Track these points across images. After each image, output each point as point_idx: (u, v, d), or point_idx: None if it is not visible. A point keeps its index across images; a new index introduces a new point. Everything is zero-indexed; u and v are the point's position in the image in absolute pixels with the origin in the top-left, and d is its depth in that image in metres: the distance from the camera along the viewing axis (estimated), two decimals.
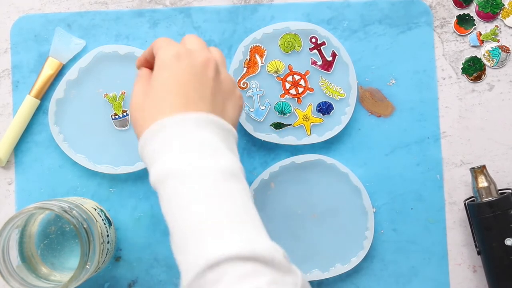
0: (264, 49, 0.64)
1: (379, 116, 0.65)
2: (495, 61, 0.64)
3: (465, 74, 0.64)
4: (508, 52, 0.64)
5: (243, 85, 0.64)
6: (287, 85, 0.64)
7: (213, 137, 0.46)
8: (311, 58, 0.64)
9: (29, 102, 0.63)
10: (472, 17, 0.65)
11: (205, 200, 0.43)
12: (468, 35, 0.65)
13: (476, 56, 0.65)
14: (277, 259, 0.41)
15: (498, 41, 0.65)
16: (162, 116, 0.46)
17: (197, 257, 0.40)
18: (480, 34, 0.65)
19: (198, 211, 0.42)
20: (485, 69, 0.65)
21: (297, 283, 0.42)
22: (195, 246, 0.41)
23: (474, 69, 0.65)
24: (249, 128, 0.63)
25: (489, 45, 0.64)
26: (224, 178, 0.44)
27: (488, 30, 0.65)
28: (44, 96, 0.64)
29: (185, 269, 0.41)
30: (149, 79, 0.51)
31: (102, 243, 0.57)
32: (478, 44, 0.65)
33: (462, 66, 0.65)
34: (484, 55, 0.63)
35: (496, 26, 0.65)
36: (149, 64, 0.54)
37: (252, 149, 0.65)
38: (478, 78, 0.65)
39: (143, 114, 0.48)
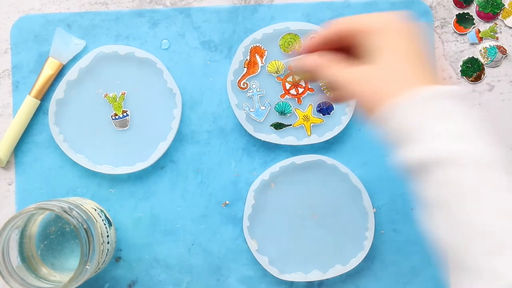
0: (264, 49, 0.64)
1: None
2: (489, 59, 0.64)
3: (465, 76, 0.64)
4: (505, 54, 0.64)
5: (243, 85, 0.64)
6: (287, 85, 0.64)
7: (472, 116, 0.40)
8: None
9: (29, 103, 0.63)
10: (472, 16, 0.65)
11: (491, 195, 0.37)
12: (468, 33, 0.65)
13: (473, 57, 0.65)
14: None
15: (497, 38, 0.65)
16: (416, 85, 0.40)
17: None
18: (479, 31, 0.65)
19: (486, 208, 0.36)
20: (483, 69, 0.65)
21: None
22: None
23: (473, 70, 0.65)
24: (249, 128, 0.63)
25: (488, 43, 0.64)
26: (499, 168, 0.38)
27: (487, 28, 0.65)
28: (44, 96, 0.64)
29: (492, 276, 0.35)
30: (349, 59, 0.45)
31: (102, 244, 0.57)
32: (477, 41, 0.65)
33: (460, 68, 0.65)
34: (480, 51, 0.63)
35: (495, 24, 0.65)
36: (323, 47, 0.47)
37: (252, 149, 0.65)
38: (478, 79, 0.65)
39: (384, 81, 0.41)
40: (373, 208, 0.64)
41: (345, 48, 0.46)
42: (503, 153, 0.39)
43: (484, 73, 0.65)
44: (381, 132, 0.42)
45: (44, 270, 0.57)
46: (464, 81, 0.65)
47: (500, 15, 0.65)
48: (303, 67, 0.47)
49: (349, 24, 0.45)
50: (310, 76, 0.48)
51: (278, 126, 0.64)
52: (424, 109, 0.39)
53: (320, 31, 0.47)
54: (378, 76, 0.42)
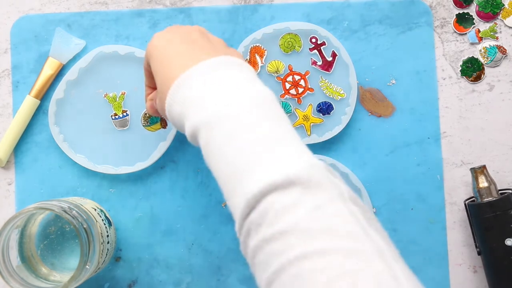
0: (264, 49, 0.64)
1: (379, 116, 0.65)
2: (489, 59, 0.64)
3: (465, 76, 0.64)
4: (505, 54, 0.64)
5: None
6: (287, 85, 0.64)
7: (235, 73, 0.45)
8: (311, 58, 0.64)
9: (29, 102, 0.63)
10: (472, 16, 0.65)
11: (240, 137, 0.41)
12: (468, 33, 0.65)
13: (473, 57, 0.65)
14: (315, 177, 0.38)
15: (497, 38, 0.65)
16: (178, 74, 0.45)
17: (239, 198, 0.39)
18: (479, 31, 0.65)
19: (235, 150, 0.41)
20: (483, 69, 0.65)
21: (344, 195, 0.39)
22: (236, 186, 0.40)
23: (472, 69, 0.65)
24: None
25: (488, 43, 0.64)
26: (255, 107, 0.43)
27: (487, 28, 0.65)
28: (44, 96, 0.64)
29: (234, 214, 0.41)
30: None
31: (102, 243, 0.57)
32: (477, 41, 0.65)
33: (460, 68, 0.65)
34: (480, 50, 0.63)
35: (495, 24, 0.65)
36: (152, 89, 0.56)
37: None
38: (478, 78, 0.65)
39: (164, 85, 0.47)
40: (373, 208, 0.64)
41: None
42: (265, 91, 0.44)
43: (484, 73, 0.65)
44: (170, 118, 0.48)
45: (44, 270, 0.57)
46: (464, 80, 0.65)
47: (500, 15, 0.65)
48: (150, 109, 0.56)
49: (145, 66, 0.54)
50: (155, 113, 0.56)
51: None
52: (180, 91, 0.45)
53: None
54: (160, 85, 0.48)
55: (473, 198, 0.63)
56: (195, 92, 0.44)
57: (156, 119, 0.63)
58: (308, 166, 0.39)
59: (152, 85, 0.55)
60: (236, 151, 0.41)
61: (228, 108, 0.42)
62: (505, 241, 0.59)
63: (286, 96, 0.64)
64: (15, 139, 0.64)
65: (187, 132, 0.44)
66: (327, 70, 0.64)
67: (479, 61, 0.65)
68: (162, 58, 0.48)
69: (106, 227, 0.59)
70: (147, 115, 0.62)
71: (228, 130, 0.42)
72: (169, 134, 0.63)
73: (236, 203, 0.40)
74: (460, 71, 0.65)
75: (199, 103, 0.44)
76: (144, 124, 0.63)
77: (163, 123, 0.63)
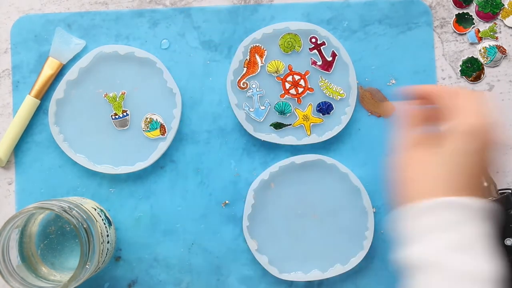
0: (264, 49, 0.64)
1: (379, 116, 0.65)
2: (489, 59, 0.64)
3: (465, 75, 0.64)
4: (505, 54, 0.64)
5: (243, 85, 0.64)
6: (287, 85, 0.64)
7: (485, 233, 0.43)
8: (311, 58, 0.64)
9: (29, 102, 0.63)
10: (471, 16, 0.65)
11: None
12: (467, 33, 0.65)
13: (473, 57, 0.65)
14: None
15: (497, 38, 0.65)
16: (451, 194, 0.42)
17: None
18: (479, 31, 0.65)
19: None
20: (483, 69, 0.65)
21: None
22: None
23: (472, 69, 0.65)
24: (249, 128, 0.63)
25: (487, 43, 0.64)
26: (480, 283, 0.40)
27: (487, 28, 0.65)
28: (44, 96, 0.64)
29: None
30: (429, 138, 0.46)
31: (102, 243, 0.57)
32: (477, 41, 0.65)
33: (460, 68, 0.65)
34: (480, 50, 0.63)
35: (495, 24, 0.65)
36: (419, 99, 0.49)
37: (252, 149, 0.65)
38: (477, 78, 0.65)
39: (427, 176, 0.44)
40: (373, 208, 0.64)
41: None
42: (490, 268, 0.41)
43: (483, 73, 0.65)
44: (394, 228, 0.45)
45: (44, 270, 0.57)
46: (464, 80, 0.65)
47: (500, 15, 0.65)
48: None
49: (439, 93, 0.47)
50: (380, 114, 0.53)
51: (278, 125, 0.64)
52: (431, 218, 0.42)
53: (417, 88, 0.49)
54: (434, 167, 0.44)
55: None
56: (451, 232, 0.42)
57: (156, 125, 0.63)
58: None
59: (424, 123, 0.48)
60: None
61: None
62: (505, 241, 0.59)
63: (286, 96, 0.64)
64: (15, 139, 0.64)
65: (417, 252, 0.42)
66: (327, 70, 0.64)
67: (479, 61, 0.65)
68: (462, 159, 0.43)
69: (106, 227, 0.59)
70: (148, 119, 0.61)
71: None
72: (169, 134, 0.64)
73: None
74: (460, 71, 0.65)
75: (453, 242, 0.41)
76: (144, 129, 0.63)
77: (163, 130, 0.63)
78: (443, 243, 0.41)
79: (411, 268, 0.42)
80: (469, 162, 0.44)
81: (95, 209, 0.60)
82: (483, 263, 0.41)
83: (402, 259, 0.43)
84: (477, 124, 0.44)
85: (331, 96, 0.64)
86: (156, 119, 0.64)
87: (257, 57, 0.64)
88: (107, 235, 0.59)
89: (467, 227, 0.42)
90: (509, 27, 0.65)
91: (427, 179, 0.44)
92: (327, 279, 0.63)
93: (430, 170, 0.44)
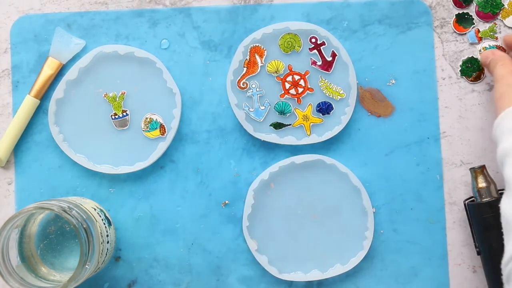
0: (264, 49, 0.64)
1: (379, 116, 0.65)
2: None
3: (465, 75, 0.64)
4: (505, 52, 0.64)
5: (243, 85, 0.64)
6: (287, 85, 0.64)
7: None
8: (311, 58, 0.64)
9: (29, 102, 0.63)
10: (471, 16, 0.65)
11: None
12: (467, 33, 0.65)
13: (473, 57, 0.65)
14: None
15: (496, 38, 0.65)
16: None
17: None
18: (479, 31, 0.65)
19: None
20: (483, 69, 0.65)
21: None
22: None
23: (472, 69, 0.65)
24: (249, 128, 0.63)
25: (487, 43, 0.64)
26: None
27: (487, 28, 0.65)
28: (44, 96, 0.64)
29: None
30: None
31: (101, 243, 0.57)
32: (477, 41, 0.65)
33: (460, 68, 0.65)
34: (479, 51, 0.63)
35: (495, 24, 0.65)
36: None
37: (252, 149, 0.65)
38: (477, 78, 0.65)
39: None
40: (373, 208, 0.64)
41: None
42: None
43: (483, 73, 0.65)
44: (496, 127, 0.55)
45: (44, 270, 0.57)
46: (464, 80, 0.65)
47: (500, 15, 0.65)
48: (486, 56, 0.62)
49: None
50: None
51: (277, 125, 0.64)
52: None
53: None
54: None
55: (473, 198, 0.63)
56: None
57: (156, 125, 0.63)
58: None
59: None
60: None
61: None
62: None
63: (286, 96, 0.64)
64: (15, 139, 0.64)
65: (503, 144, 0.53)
66: (327, 70, 0.64)
67: (479, 61, 0.65)
68: None
69: (105, 227, 0.59)
70: (148, 119, 0.61)
71: None
72: (169, 134, 0.64)
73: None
74: (460, 71, 0.65)
75: None
76: (144, 129, 0.63)
77: (162, 130, 0.63)
78: None
79: (506, 155, 0.52)
80: None
81: (94, 209, 0.60)
82: None
83: (502, 150, 0.53)
84: None
85: (331, 96, 0.64)
86: (156, 119, 0.64)
87: (257, 57, 0.64)
88: (107, 235, 0.59)
89: None
90: (509, 27, 0.65)
91: None
92: (326, 279, 0.63)
93: None
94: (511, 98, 0.55)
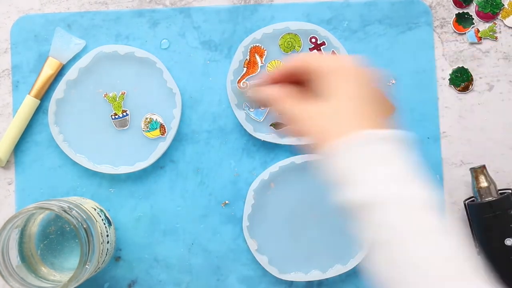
0: (264, 49, 0.64)
1: None
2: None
3: (453, 85, 0.65)
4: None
5: (243, 85, 0.64)
6: None
7: (410, 159, 0.42)
8: None
9: (29, 102, 0.63)
10: (471, 15, 0.65)
11: (427, 237, 0.39)
12: (467, 33, 0.65)
13: (463, 67, 0.65)
14: None
15: (496, 38, 0.65)
16: (360, 128, 0.42)
17: None
18: (478, 31, 0.65)
19: (423, 250, 0.39)
20: (472, 80, 0.65)
21: None
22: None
23: (461, 79, 0.65)
24: (249, 128, 0.63)
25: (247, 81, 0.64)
26: (434, 211, 0.40)
27: (487, 27, 0.65)
28: (44, 96, 0.64)
29: None
30: (305, 93, 0.47)
31: (101, 243, 0.57)
32: (476, 41, 0.65)
33: (449, 77, 0.65)
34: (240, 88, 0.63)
35: (494, 23, 0.65)
36: (284, 79, 0.48)
37: (252, 149, 0.65)
38: (465, 89, 0.65)
39: (330, 121, 0.43)
40: None
41: (304, 82, 0.47)
42: (435, 194, 0.41)
43: (472, 84, 0.65)
44: (324, 170, 0.43)
45: (44, 270, 0.57)
46: (452, 90, 0.65)
47: (500, 15, 0.65)
48: (261, 96, 0.49)
49: (303, 62, 0.47)
50: (264, 105, 0.50)
51: (278, 125, 0.64)
52: (364, 153, 0.41)
53: (281, 66, 0.49)
54: (325, 116, 0.44)
55: (473, 198, 0.63)
56: (380, 165, 0.41)
57: (156, 125, 0.63)
58: None
59: (286, 80, 0.48)
60: (420, 258, 0.38)
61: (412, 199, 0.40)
62: (505, 241, 0.59)
63: None
64: (15, 139, 0.64)
65: (354, 193, 0.41)
66: None
67: (468, 71, 0.65)
68: (366, 95, 0.44)
69: (106, 227, 0.59)
70: (148, 119, 0.60)
71: (417, 224, 0.39)
72: (169, 134, 0.64)
73: None
74: (449, 79, 0.65)
75: (379, 176, 0.41)
76: (144, 129, 0.63)
77: (162, 130, 0.63)
78: (385, 177, 0.40)
79: (361, 209, 0.40)
80: (363, 99, 0.44)
81: (95, 209, 0.60)
82: (430, 190, 0.41)
83: (344, 201, 0.42)
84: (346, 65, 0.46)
85: None
86: (156, 119, 0.64)
87: (257, 57, 0.64)
88: (107, 235, 0.59)
89: (401, 158, 0.41)
90: (509, 27, 0.65)
91: (343, 115, 0.43)
92: (327, 279, 0.63)
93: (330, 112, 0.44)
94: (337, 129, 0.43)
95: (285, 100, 0.46)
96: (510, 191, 0.62)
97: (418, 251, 0.39)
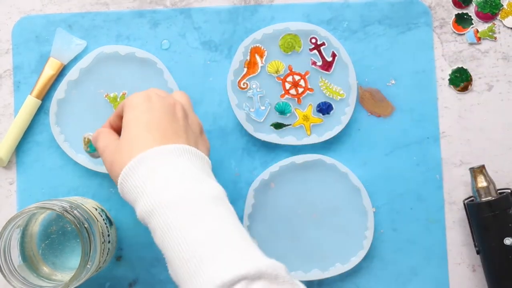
0: (264, 49, 0.64)
1: (379, 116, 0.65)
2: None
3: (453, 85, 0.65)
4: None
5: (243, 85, 0.64)
6: (287, 86, 0.64)
7: (192, 165, 0.47)
8: (311, 59, 0.64)
9: (30, 103, 0.64)
10: (471, 16, 0.65)
11: (200, 226, 0.43)
12: (466, 33, 0.66)
13: (462, 67, 0.65)
14: (281, 274, 0.42)
15: (495, 39, 0.65)
16: (139, 152, 0.47)
17: (207, 283, 0.40)
18: (478, 31, 0.65)
19: (196, 237, 0.43)
20: (471, 80, 0.65)
21: None
22: (201, 272, 0.41)
23: (460, 80, 0.65)
24: (249, 128, 0.64)
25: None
26: (213, 203, 0.45)
27: (486, 28, 0.65)
28: (45, 96, 0.65)
29: None
30: (113, 132, 0.53)
31: (103, 243, 0.57)
32: (476, 41, 0.65)
33: (449, 77, 0.65)
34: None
35: (494, 24, 0.65)
36: (112, 127, 0.55)
37: (252, 149, 0.65)
38: (465, 89, 0.65)
39: (119, 155, 0.48)
40: (373, 208, 0.64)
41: None
42: (213, 187, 0.47)
43: (471, 84, 0.65)
44: (123, 196, 0.48)
45: (45, 269, 0.58)
46: (451, 90, 0.65)
47: (499, 16, 0.65)
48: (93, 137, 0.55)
49: (118, 111, 0.53)
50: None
51: (278, 126, 0.64)
52: (134, 175, 0.46)
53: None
54: (119, 148, 0.49)
55: (472, 198, 0.63)
56: (157, 174, 0.46)
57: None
58: (273, 263, 0.42)
59: (115, 126, 0.55)
60: (198, 238, 0.43)
61: (194, 195, 0.45)
62: (504, 240, 0.60)
63: (286, 96, 0.64)
64: (17, 139, 0.64)
65: (140, 207, 0.46)
66: (327, 70, 0.64)
67: (468, 72, 0.65)
68: (134, 124, 0.49)
69: (107, 227, 0.60)
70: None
71: (191, 214, 0.44)
72: None
73: (199, 286, 0.41)
74: (449, 80, 0.65)
75: (158, 184, 0.45)
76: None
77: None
78: (162, 184, 0.45)
79: (149, 218, 0.45)
80: (147, 123, 0.49)
81: (96, 209, 0.60)
82: (206, 185, 0.46)
83: (139, 216, 0.47)
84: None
85: (331, 96, 0.64)
86: None
87: (257, 57, 0.64)
88: (108, 235, 0.59)
89: (172, 165, 0.46)
90: (508, 28, 0.66)
91: (123, 146, 0.49)
92: (327, 278, 0.64)
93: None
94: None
95: (103, 135, 0.53)
96: (509, 190, 0.62)
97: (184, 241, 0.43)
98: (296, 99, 0.64)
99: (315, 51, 0.64)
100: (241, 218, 0.64)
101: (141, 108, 0.50)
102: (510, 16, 0.65)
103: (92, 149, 0.58)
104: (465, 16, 0.65)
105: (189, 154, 0.48)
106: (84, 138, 0.58)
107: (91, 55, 0.64)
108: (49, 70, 0.64)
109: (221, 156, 0.65)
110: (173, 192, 0.45)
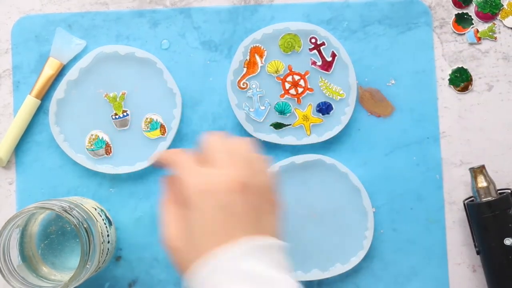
0: (264, 49, 0.64)
1: (379, 116, 0.65)
2: None
3: (452, 85, 0.65)
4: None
5: (243, 85, 0.64)
6: (287, 85, 0.64)
7: (261, 265, 0.42)
8: (311, 59, 0.64)
9: (30, 102, 0.64)
10: (471, 16, 0.65)
11: None
12: (466, 33, 0.66)
13: (462, 67, 0.65)
14: None
15: (495, 38, 0.65)
16: (207, 254, 0.42)
17: None
18: (478, 31, 0.65)
19: None
20: (471, 80, 0.65)
21: None
22: None
23: (461, 80, 0.65)
24: (249, 128, 0.64)
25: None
26: None
27: (486, 28, 0.65)
28: (45, 96, 0.65)
29: None
30: (180, 208, 0.46)
31: (102, 243, 0.57)
32: (476, 41, 0.65)
33: (449, 77, 0.65)
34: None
35: (494, 24, 0.65)
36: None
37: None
38: (465, 89, 0.65)
39: (187, 247, 0.43)
40: (373, 208, 0.64)
41: None
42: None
43: (471, 84, 0.65)
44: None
45: (45, 270, 0.57)
46: (451, 90, 0.65)
47: (499, 15, 0.65)
48: (163, 158, 0.48)
49: (173, 157, 0.47)
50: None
51: (277, 126, 0.64)
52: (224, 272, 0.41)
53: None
54: (183, 237, 0.44)
55: (472, 198, 0.63)
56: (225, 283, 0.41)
57: (156, 125, 0.63)
58: None
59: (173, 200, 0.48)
60: None
61: None
62: (504, 241, 0.60)
63: (286, 96, 0.64)
64: (16, 139, 0.64)
65: None
66: (327, 70, 0.64)
67: (468, 72, 0.65)
68: (198, 222, 0.43)
69: (106, 227, 0.60)
70: (148, 119, 0.60)
71: None
72: (169, 134, 0.64)
73: None
74: (449, 80, 0.65)
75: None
76: (144, 129, 0.63)
77: (163, 130, 0.64)
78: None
79: None
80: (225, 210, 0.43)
81: (95, 209, 0.60)
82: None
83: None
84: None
85: (330, 96, 0.64)
86: (156, 119, 0.64)
87: (257, 57, 0.64)
88: (108, 235, 0.59)
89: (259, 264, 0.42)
90: (508, 28, 0.66)
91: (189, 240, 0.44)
92: (327, 278, 0.64)
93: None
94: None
95: (185, 164, 0.46)
96: (509, 191, 0.62)
97: None
98: (296, 99, 0.64)
99: (315, 51, 0.64)
100: None
101: (198, 209, 0.44)
102: (510, 16, 0.65)
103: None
104: (465, 16, 0.65)
105: (256, 251, 0.42)
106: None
107: (91, 55, 0.64)
108: (49, 70, 0.64)
109: None
110: None
